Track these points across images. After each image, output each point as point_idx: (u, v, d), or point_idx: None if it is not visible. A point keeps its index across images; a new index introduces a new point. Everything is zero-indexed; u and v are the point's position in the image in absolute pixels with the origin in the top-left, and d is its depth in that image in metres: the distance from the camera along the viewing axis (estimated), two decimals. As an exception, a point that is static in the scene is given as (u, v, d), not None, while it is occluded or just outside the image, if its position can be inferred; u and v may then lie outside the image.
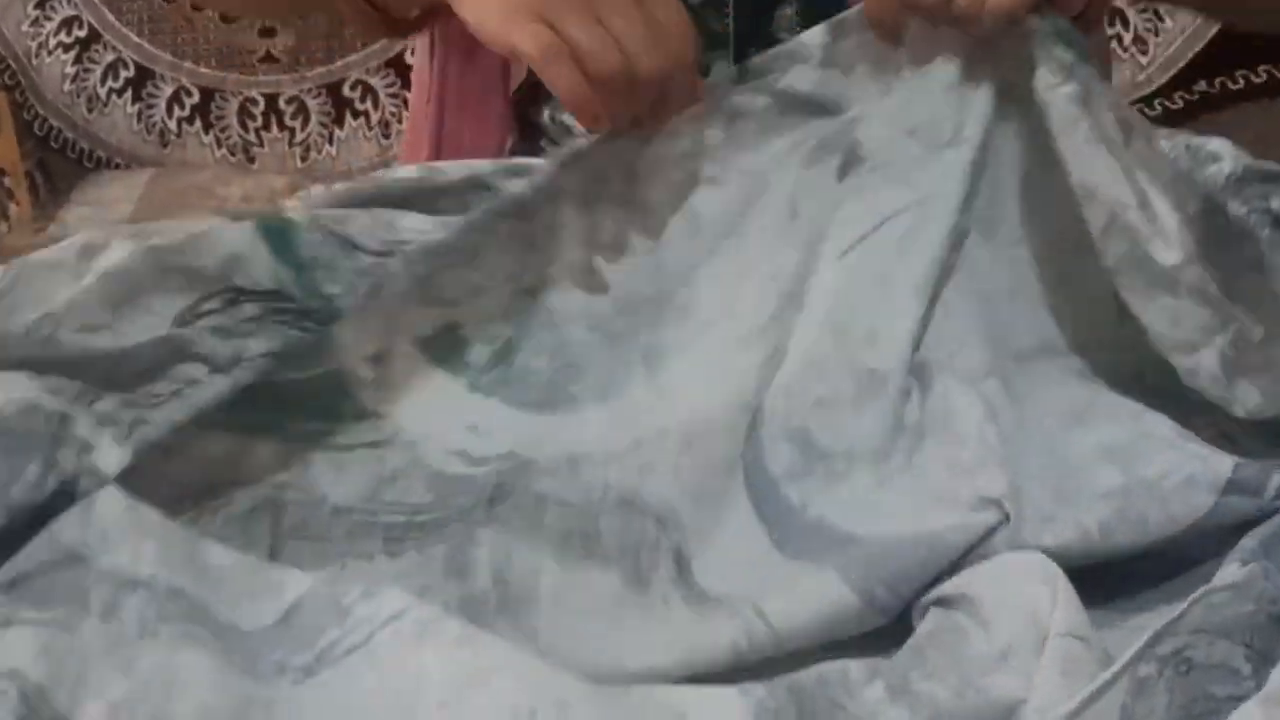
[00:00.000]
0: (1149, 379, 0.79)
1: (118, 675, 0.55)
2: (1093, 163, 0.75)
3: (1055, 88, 0.74)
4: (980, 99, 0.79)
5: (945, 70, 0.78)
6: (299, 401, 0.72)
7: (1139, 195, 0.74)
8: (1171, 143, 0.84)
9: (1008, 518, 0.70)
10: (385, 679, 0.57)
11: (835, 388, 0.76)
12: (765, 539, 0.74)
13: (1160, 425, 0.76)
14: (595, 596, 0.71)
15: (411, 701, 0.57)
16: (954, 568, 0.70)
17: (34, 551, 0.58)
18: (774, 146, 0.79)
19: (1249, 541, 0.68)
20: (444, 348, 0.75)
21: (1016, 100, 0.79)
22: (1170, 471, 0.73)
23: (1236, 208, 0.81)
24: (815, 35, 0.78)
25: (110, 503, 0.61)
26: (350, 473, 0.72)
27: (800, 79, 0.78)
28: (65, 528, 0.59)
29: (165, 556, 0.60)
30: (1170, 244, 0.74)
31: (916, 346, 0.77)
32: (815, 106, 0.79)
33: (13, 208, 1.44)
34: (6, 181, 1.44)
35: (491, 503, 0.73)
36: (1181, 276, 0.75)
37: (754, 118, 0.78)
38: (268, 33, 1.48)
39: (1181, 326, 0.76)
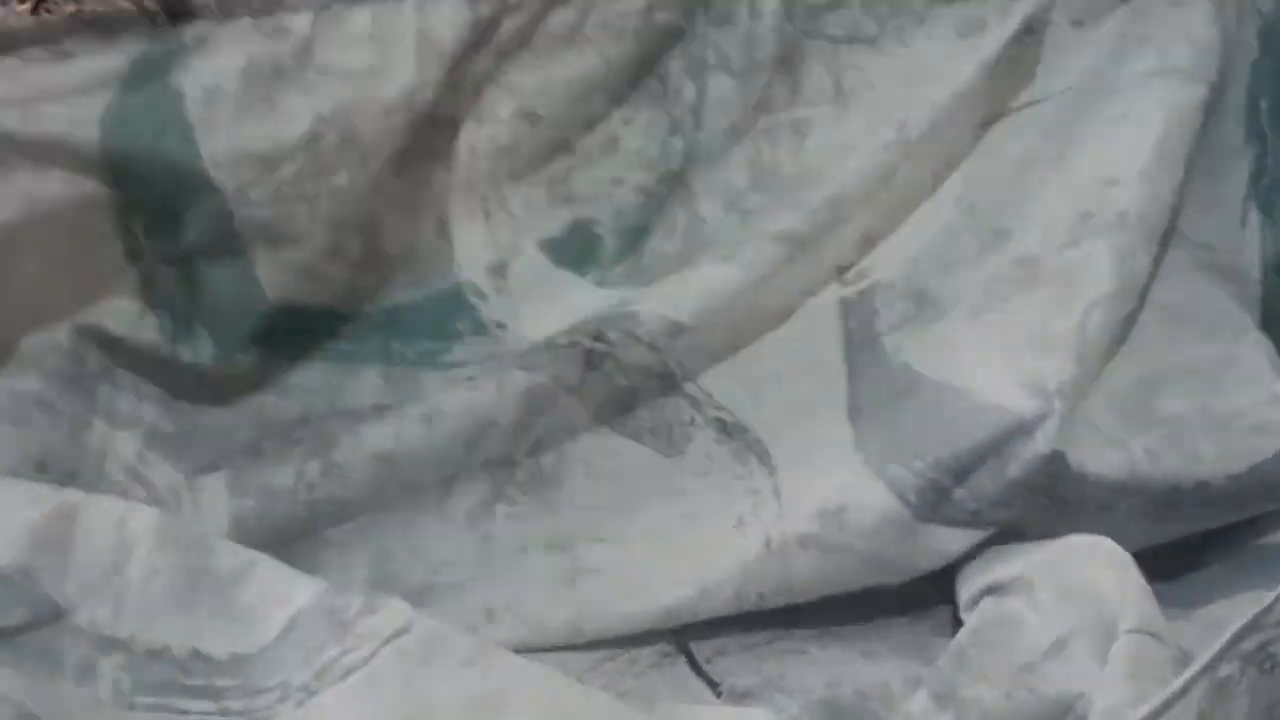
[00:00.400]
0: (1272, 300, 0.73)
1: None
2: None
3: None
4: None
5: None
6: (409, 324, 0.71)
7: None
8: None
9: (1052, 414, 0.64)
10: (389, 704, 0.51)
11: (962, 250, 0.72)
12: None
13: (1257, 352, 0.69)
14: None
15: None
16: (979, 457, 0.64)
17: (4, 598, 0.51)
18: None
19: None
20: (573, 247, 0.73)
21: None
22: (1245, 411, 0.67)
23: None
24: None
25: (94, 537, 0.54)
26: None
27: None
28: (38, 568, 0.52)
29: (151, 605, 0.53)
30: None
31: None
32: None
33: None
34: None
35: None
36: None
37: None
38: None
39: None
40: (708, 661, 0.65)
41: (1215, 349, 0.69)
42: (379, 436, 0.68)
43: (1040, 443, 0.63)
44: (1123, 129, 0.69)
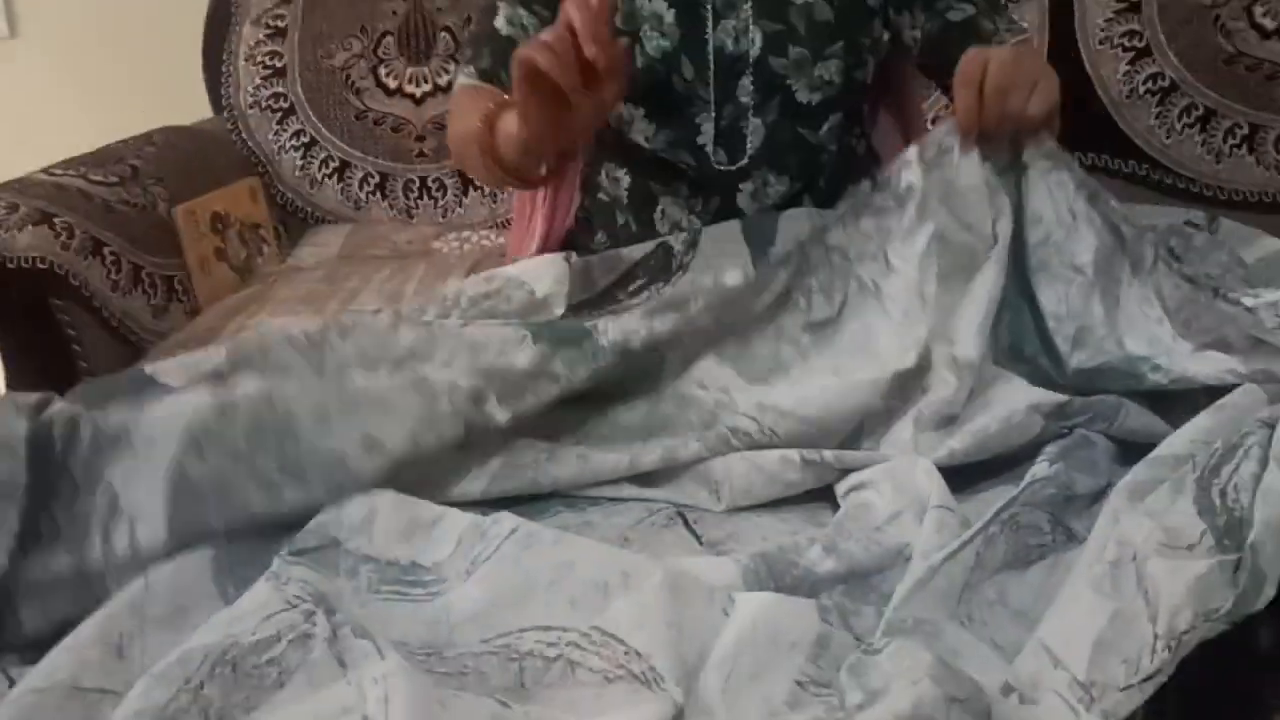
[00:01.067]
0: (1026, 350, 1.06)
1: (356, 607, 0.80)
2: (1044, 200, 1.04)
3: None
4: (1005, 201, 1.05)
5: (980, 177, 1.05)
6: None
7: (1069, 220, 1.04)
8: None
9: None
10: (510, 572, 0.82)
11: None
12: None
13: (1021, 385, 1.02)
14: None
15: (528, 584, 0.80)
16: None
17: (305, 537, 0.84)
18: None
19: (1051, 449, 0.93)
20: None
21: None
22: (1017, 410, 0.97)
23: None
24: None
25: (355, 506, 0.87)
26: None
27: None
28: (325, 521, 0.86)
29: (386, 539, 0.85)
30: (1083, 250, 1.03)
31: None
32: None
33: (265, 248, 1.85)
34: (262, 233, 1.85)
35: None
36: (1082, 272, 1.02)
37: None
38: (420, 139, 1.96)
39: (1065, 305, 1.04)
40: (694, 522, 0.95)
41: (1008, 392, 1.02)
42: None
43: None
44: None
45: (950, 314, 1.04)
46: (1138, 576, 0.70)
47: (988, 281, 1.04)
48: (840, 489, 0.96)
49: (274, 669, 0.72)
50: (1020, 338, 1.08)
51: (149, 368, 0.92)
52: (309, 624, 0.75)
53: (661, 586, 0.77)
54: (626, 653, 0.74)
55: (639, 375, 1.03)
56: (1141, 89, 1.74)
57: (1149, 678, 0.66)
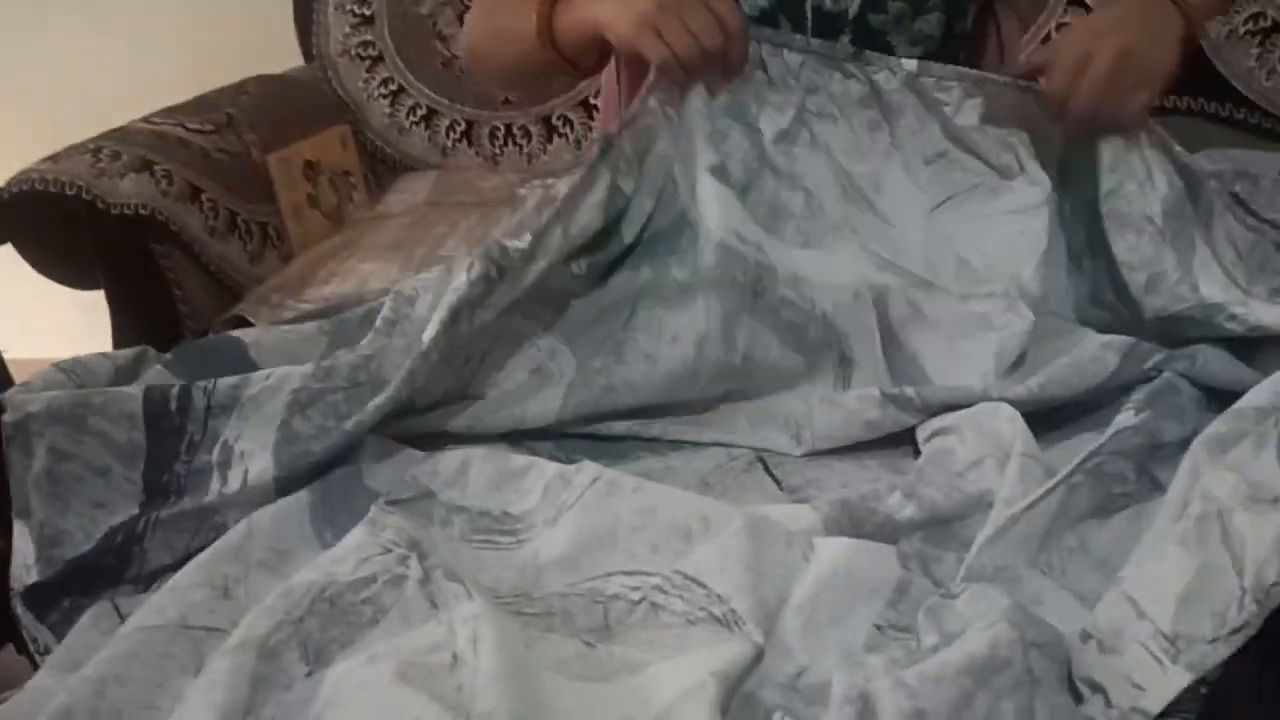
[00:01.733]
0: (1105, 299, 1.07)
1: (448, 554, 0.82)
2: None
3: None
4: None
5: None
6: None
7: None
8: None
9: None
10: (594, 519, 0.83)
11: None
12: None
13: (1089, 332, 1.02)
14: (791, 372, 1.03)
15: (612, 528, 0.82)
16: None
17: (400, 488, 0.88)
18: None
19: (1139, 396, 0.93)
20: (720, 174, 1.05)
21: None
22: (1088, 349, 0.98)
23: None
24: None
25: (449, 459, 0.90)
26: (684, 260, 1.02)
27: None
28: (420, 474, 0.89)
29: (478, 490, 0.88)
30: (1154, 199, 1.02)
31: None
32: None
33: (355, 195, 1.88)
34: (352, 179, 1.88)
35: (755, 295, 1.03)
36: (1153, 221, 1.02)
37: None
38: (506, 89, 1.98)
39: (1136, 253, 1.03)
40: (774, 467, 0.96)
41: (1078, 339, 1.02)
42: None
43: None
44: None
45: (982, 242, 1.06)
46: (1223, 531, 0.69)
47: (1043, 220, 1.05)
48: (921, 435, 0.96)
49: (369, 607, 0.74)
50: (1099, 286, 1.07)
51: (246, 336, 0.99)
52: (403, 567, 0.77)
53: (741, 531, 0.78)
54: (708, 596, 0.75)
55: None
56: (1241, 30, 1.69)
57: (1236, 630, 0.65)
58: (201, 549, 0.83)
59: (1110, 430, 0.87)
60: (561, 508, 0.86)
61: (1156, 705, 0.65)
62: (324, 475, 0.89)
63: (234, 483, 0.87)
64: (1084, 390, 0.97)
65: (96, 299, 1.45)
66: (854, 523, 0.84)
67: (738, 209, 1.05)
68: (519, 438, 1.00)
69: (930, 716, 0.63)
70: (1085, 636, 0.70)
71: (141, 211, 1.42)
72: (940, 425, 0.95)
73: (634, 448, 1.00)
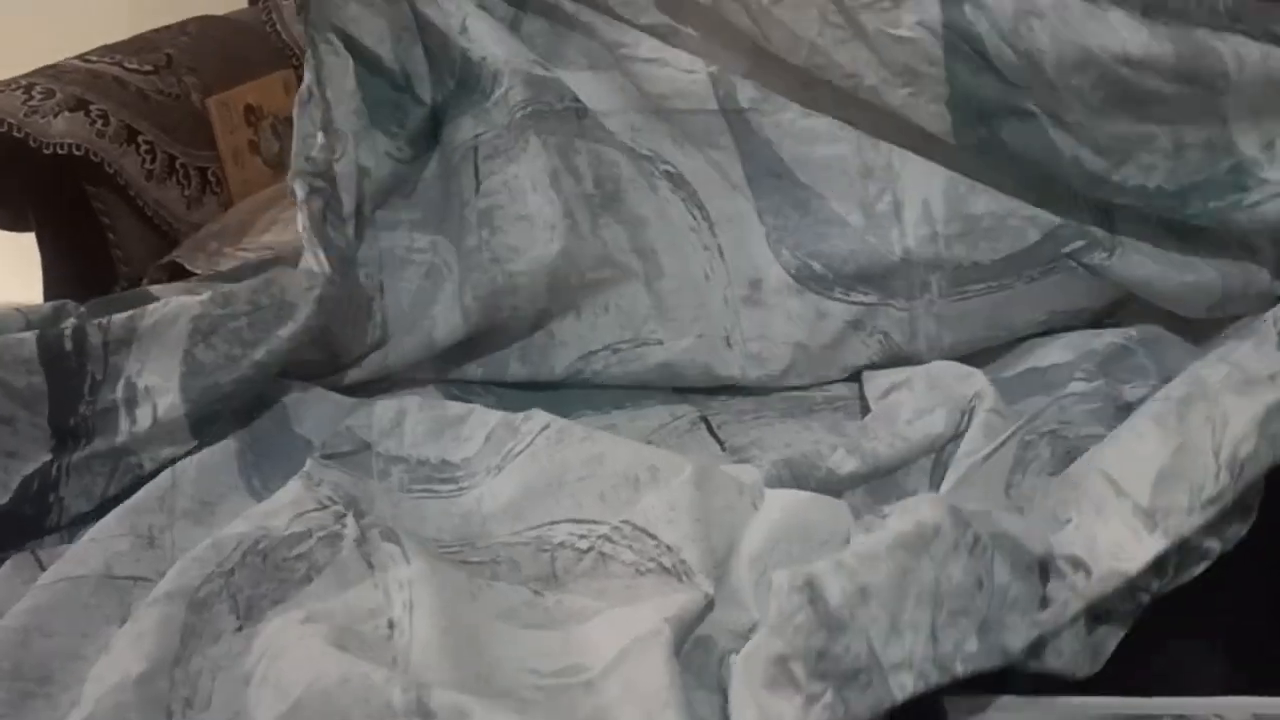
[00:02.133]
0: None
1: (388, 507, 0.82)
2: None
3: None
4: None
5: None
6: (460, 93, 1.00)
7: None
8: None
9: None
10: (543, 466, 0.83)
11: None
12: None
13: None
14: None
15: (560, 476, 0.82)
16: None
17: (336, 440, 0.86)
18: None
19: (1087, 365, 0.91)
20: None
21: None
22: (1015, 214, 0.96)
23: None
24: None
25: (383, 408, 0.89)
26: (502, 106, 0.97)
27: None
28: (355, 426, 0.87)
29: (415, 439, 0.87)
30: None
31: None
32: None
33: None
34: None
35: (579, 117, 0.99)
36: None
37: None
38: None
39: None
40: (718, 428, 0.95)
41: None
42: None
43: None
44: None
45: None
46: (1207, 413, 0.69)
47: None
48: (873, 393, 0.95)
49: (303, 564, 0.73)
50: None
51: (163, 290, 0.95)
52: (339, 525, 0.76)
53: (690, 481, 0.78)
54: (657, 546, 0.74)
55: None
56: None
57: (1212, 500, 0.66)
58: (120, 493, 0.81)
59: (1057, 394, 0.87)
60: (508, 455, 0.85)
61: (1134, 567, 0.66)
62: (246, 419, 0.87)
63: (143, 421, 0.84)
64: (992, 260, 0.95)
65: (28, 241, 1.40)
66: (796, 479, 0.83)
67: (515, 43, 1.02)
68: (452, 388, 0.98)
69: (874, 590, 0.62)
70: (1065, 520, 0.70)
71: (76, 152, 1.37)
72: (890, 382, 0.94)
73: (576, 404, 0.98)
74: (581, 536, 0.78)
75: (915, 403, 0.89)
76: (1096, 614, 0.67)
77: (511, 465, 0.84)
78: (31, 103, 1.36)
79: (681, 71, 0.99)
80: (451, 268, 1.00)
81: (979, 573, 0.64)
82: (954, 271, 0.96)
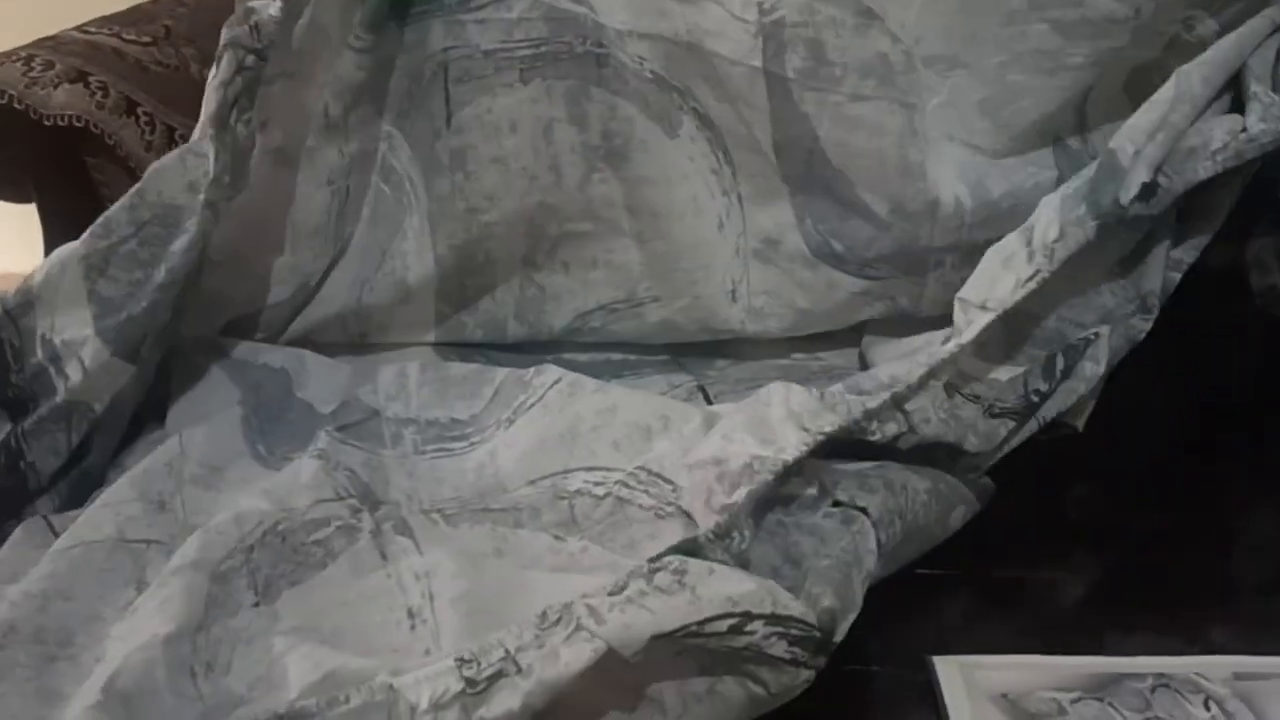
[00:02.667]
0: None
1: (404, 477, 0.82)
2: None
3: None
4: None
5: None
6: None
7: None
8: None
9: None
10: (556, 418, 0.84)
11: (842, 13, 0.88)
12: None
13: None
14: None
15: (574, 426, 0.82)
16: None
17: (345, 411, 0.87)
18: None
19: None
20: None
21: None
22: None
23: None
24: None
25: (386, 373, 0.88)
26: (491, 26, 0.93)
27: None
28: (362, 394, 0.87)
29: (423, 400, 0.87)
30: None
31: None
32: None
33: None
34: None
35: (600, 64, 0.93)
36: None
37: None
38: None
39: None
40: (716, 397, 0.93)
41: None
42: None
43: None
44: None
45: None
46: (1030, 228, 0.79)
47: None
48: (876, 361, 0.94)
49: (320, 550, 0.74)
50: None
51: None
52: (355, 519, 0.76)
53: (701, 429, 0.79)
54: (674, 490, 0.75)
55: None
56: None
57: (1030, 278, 0.76)
58: (84, 441, 0.81)
59: None
60: (519, 408, 0.85)
61: (969, 336, 0.76)
62: (252, 389, 0.88)
63: (75, 375, 0.82)
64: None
65: (29, 212, 1.40)
66: None
67: None
68: (450, 352, 0.98)
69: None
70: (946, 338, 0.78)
71: (76, 123, 1.36)
72: (902, 351, 0.92)
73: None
74: (598, 484, 0.78)
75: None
76: (994, 411, 0.76)
77: (524, 418, 0.85)
78: (31, 74, 1.36)
79: (733, 17, 0.91)
80: (419, 193, 0.96)
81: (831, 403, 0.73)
82: (969, 251, 0.91)
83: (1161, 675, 0.66)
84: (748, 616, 0.59)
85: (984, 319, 0.76)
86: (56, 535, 0.76)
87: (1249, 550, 0.78)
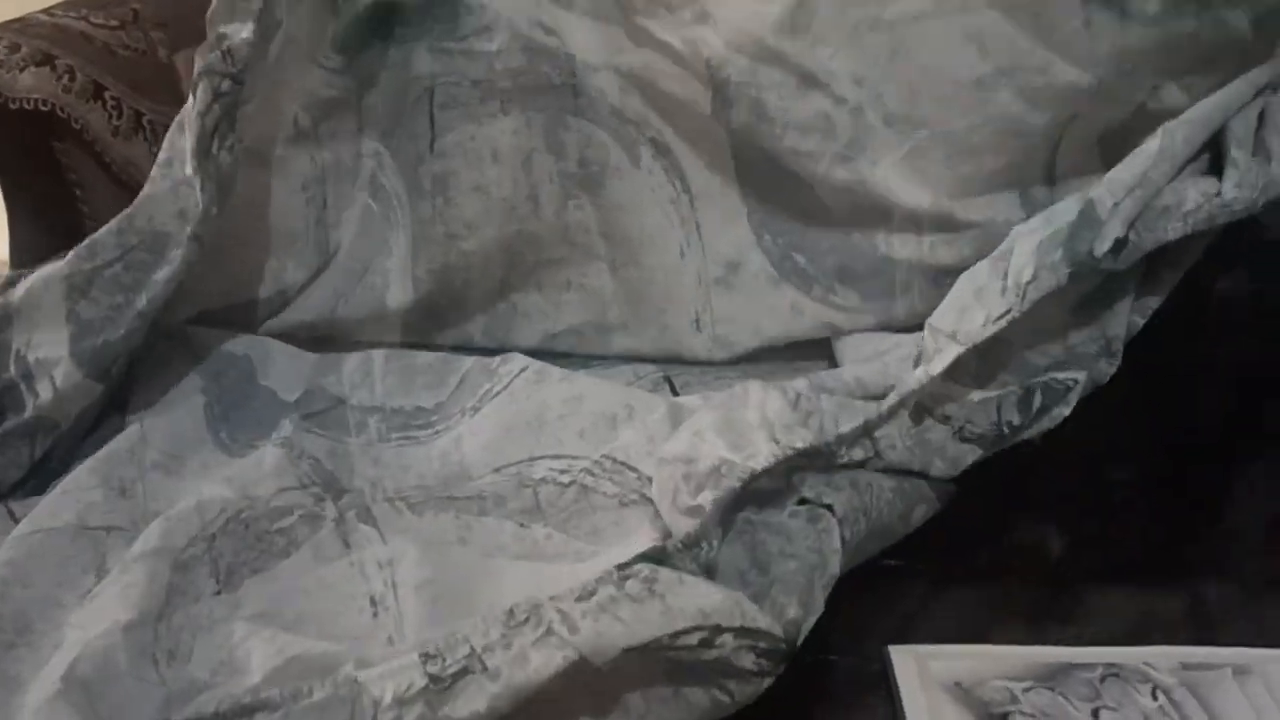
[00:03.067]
0: None
1: (369, 465, 0.83)
2: None
3: None
4: None
5: None
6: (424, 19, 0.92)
7: None
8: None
9: None
10: (522, 406, 0.84)
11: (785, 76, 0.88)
12: None
13: None
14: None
15: (540, 415, 0.83)
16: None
17: (310, 399, 0.86)
18: None
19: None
20: None
21: None
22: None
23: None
24: None
25: (351, 360, 0.88)
26: (476, 58, 0.93)
27: None
28: (327, 383, 0.87)
29: (388, 389, 0.87)
30: None
31: None
32: None
33: None
34: None
35: (576, 94, 0.93)
36: None
37: None
38: None
39: None
40: (681, 387, 0.93)
41: None
42: None
43: None
44: None
45: None
46: (1008, 260, 0.78)
47: None
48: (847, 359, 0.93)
49: (282, 538, 0.74)
50: None
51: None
52: (318, 508, 0.76)
53: (666, 418, 0.80)
54: (638, 478, 0.76)
55: None
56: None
57: (1001, 316, 0.75)
58: (46, 454, 0.81)
59: None
60: (485, 396, 0.86)
61: (938, 368, 0.75)
62: (213, 376, 0.87)
63: (45, 393, 0.81)
64: (976, 258, 0.86)
65: (-7, 197, 1.39)
66: None
67: None
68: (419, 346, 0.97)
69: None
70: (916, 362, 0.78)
71: (42, 107, 1.35)
72: (877, 349, 0.89)
73: None
74: (563, 471, 0.79)
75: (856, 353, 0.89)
76: (964, 435, 0.76)
77: (489, 406, 0.85)
78: (-4, 57, 1.36)
79: (684, 69, 0.92)
80: (405, 212, 0.96)
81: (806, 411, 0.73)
82: (935, 273, 0.91)
83: (1111, 665, 0.67)
84: (718, 630, 0.59)
85: (953, 351, 0.76)
86: (16, 522, 0.75)
87: (1199, 544, 0.80)
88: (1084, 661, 0.67)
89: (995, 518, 0.80)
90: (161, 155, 0.88)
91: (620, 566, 0.61)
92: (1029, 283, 0.76)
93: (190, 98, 0.86)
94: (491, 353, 0.95)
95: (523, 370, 0.87)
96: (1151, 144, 0.80)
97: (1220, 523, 0.84)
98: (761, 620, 0.60)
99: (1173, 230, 0.78)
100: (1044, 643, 0.69)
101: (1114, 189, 0.78)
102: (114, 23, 1.55)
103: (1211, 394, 0.93)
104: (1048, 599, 0.74)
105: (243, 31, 0.85)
